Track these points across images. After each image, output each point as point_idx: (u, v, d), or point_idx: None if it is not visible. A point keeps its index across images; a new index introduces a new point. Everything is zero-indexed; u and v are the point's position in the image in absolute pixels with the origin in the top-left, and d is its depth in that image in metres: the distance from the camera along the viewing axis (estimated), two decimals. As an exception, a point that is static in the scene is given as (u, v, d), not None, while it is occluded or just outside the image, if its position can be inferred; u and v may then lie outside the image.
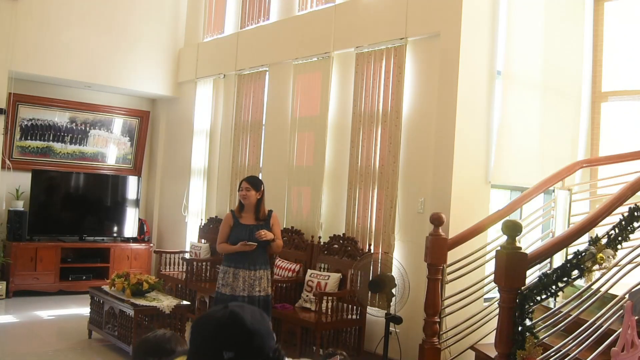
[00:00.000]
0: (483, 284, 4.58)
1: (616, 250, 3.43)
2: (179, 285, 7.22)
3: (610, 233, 3.44)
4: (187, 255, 7.59)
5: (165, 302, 5.46)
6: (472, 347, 4.48)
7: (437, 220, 4.51)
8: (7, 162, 7.84)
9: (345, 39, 6.18)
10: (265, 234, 4.68)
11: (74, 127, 8.66)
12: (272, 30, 7.29)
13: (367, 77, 5.87)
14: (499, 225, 3.86)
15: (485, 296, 4.72)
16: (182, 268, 7.50)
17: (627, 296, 3.32)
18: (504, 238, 3.40)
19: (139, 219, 8.90)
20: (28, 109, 8.27)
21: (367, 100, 5.85)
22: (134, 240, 8.73)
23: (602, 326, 3.29)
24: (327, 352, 3.11)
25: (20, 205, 7.90)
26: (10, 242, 7.65)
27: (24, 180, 7.96)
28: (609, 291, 3.51)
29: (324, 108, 6.34)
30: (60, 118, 8.54)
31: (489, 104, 5.25)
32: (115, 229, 8.74)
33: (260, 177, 7.22)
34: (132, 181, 8.89)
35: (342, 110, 6.23)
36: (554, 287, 3.34)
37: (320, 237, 6.19)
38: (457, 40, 5.06)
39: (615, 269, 3.48)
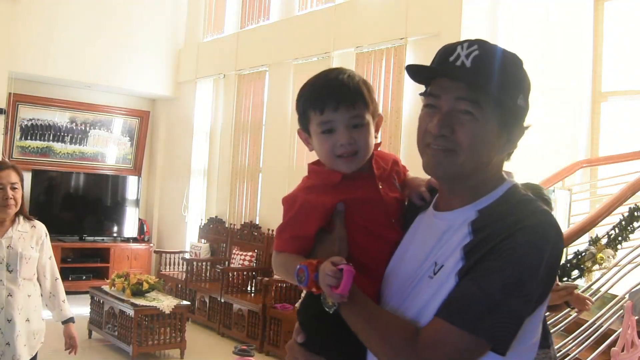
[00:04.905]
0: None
1: (616, 250, 3.43)
2: (179, 285, 7.23)
3: (610, 233, 3.44)
4: (187, 255, 7.59)
5: (165, 302, 5.46)
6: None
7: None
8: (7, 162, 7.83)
9: (345, 39, 6.18)
10: None
11: (74, 127, 8.66)
12: (272, 30, 7.29)
13: (367, 77, 5.87)
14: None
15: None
16: (182, 268, 7.51)
17: (627, 296, 3.32)
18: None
19: (139, 219, 8.90)
20: (28, 109, 8.26)
21: (367, 100, 5.84)
22: (134, 240, 8.73)
23: (602, 326, 3.29)
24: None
25: (20, 205, 7.89)
26: (10, 242, 7.64)
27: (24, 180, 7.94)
28: (609, 291, 3.51)
29: (324, 108, 6.33)
30: (60, 118, 8.54)
31: (489, 104, 5.24)
32: (115, 229, 8.74)
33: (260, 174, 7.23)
34: (132, 181, 8.89)
35: (342, 110, 6.23)
36: (554, 287, 3.34)
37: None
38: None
39: (615, 269, 3.49)
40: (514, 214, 1.14)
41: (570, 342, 3.34)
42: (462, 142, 1.16)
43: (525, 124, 1.22)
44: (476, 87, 1.15)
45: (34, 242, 3.03)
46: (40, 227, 3.12)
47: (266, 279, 5.91)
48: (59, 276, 3.17)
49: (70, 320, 3.20)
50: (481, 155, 1.17)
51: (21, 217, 3.04)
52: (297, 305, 5.84)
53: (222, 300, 6.45)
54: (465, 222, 1.17)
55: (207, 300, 6.75)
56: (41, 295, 3.09)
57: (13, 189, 2.93)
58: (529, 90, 1.21)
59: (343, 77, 1.31)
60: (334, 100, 1.27)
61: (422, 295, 1.17)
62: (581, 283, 3.79)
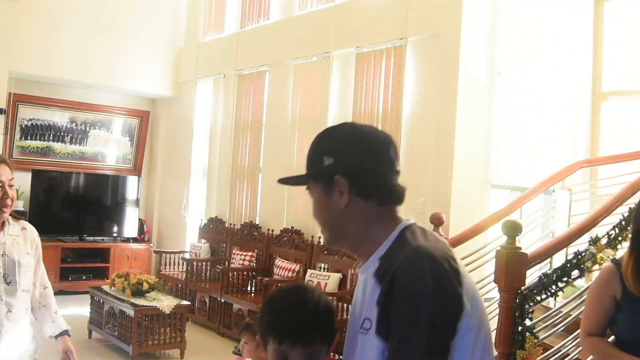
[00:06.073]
0: (483, 284, 4.58)
1: (616, 250, 3.43)
2: (179, 285, 7.23)
3: (610, 233, 3.44)
4: (187, 255, 7.59)
5: (165, 302, 5.46)
6: (472, 347, 4.46)
7: (437, 220, 4.50)
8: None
9: (345, 39, 6.18)
10: None
11: (74, 127, 8.66)
12: (272, 30, 7.29)
13: (367, 77, 5.87)
14: (499, 225, 3.86)
15: (485, 296, 4.72)
16: (182, 268, 7.50)
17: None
18: (504, 238, 3.40)
19: (139, 219, 8.90)
20: (28, 109, 8.27)
21: (367, 100, 5.84)
22: (134, 240, 8.73)
23: (602, 326, 3.28)
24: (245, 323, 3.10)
25: (20, 205, 7.89)
26: (10, 242, 7.63)
27: (24, 180, 7.94)
28: (609, 291, 3.51)
29: (324, 108, 6.34)
30: (60, 118, 8.54)
31: (489, 104, 5.25)
32: (115, 229, 8.74)
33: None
34: (132, 181, 8.89)
35: (342, 110, 6.23)
36: (554, 287, 3.34)
37: (320, 237, 6.19)
38: (457, 40, 5.05)
39: (615, 269, 3.48)
40: (396, 257, 1.23)
41: (570, 342, 3.34)
42: (314, 217, 1.37)
43: (351, 170, 1.30)
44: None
45: (28, 246, 2.57)
46: (32, 229, 2.66)
47: (266, 279, 5.91)
48: (49, 284, 2.73)
49: (66, 332, 2.69)
50: (324, 218, 1.34)
51: (10, 218, 2.56)
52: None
53: (222, 300, 6.45)
54: (372, 273, 1.27)
55: (207, 300, 6.74)
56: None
57: (10, 186, 2.50)
58: (333, 146, 1.32)
59: (306, 314, 1.35)
60: (291, 339, 1.32)
61: (356, 349, 1.26)
62: (581, 283, 3.79)
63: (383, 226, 1.30)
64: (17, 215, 2.63)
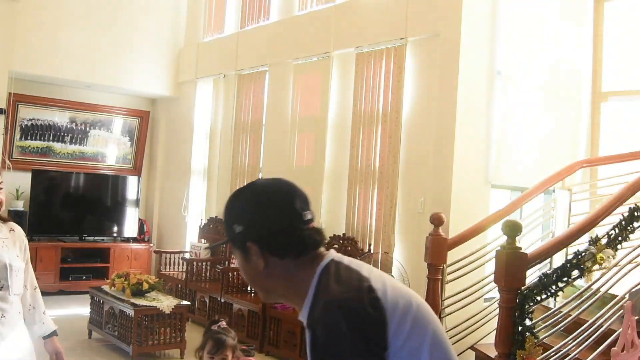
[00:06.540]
0: (483, 284, 4.58)
1: (616, 250, 3.43)
2: (179, 285, 7.23)
3: (610, 233, 3.44)
4: (187, 255, 7.59)
5: (165, 302, 5.46)
6: (472, 347, 4.48)
7: (437, 220, 4.51)
8: (7, 162, 7.84)
9: (345, 39, 6.18)
10: None
11: (74, 127, 8.66)
12: (272, 30, 7.29)
13: (367, 77, 5.87)
14: (499, 225, 3.86)
15: (485, 296, 4.72)
16: (182, 268, 7.51)
17: (627, 296, 3.32)
18: (504, 238, 3.41)
19: (139, 219, 8.90)
20: (28, 109, 8.26)
21: (367, 100, 5.84)
22: (134, 240, 8.73)
23: (602, 326, 3.29)
24: (213, 320, 3.12)
25: (20, 205, 7.89)
26: (10, 242, 7.63)
27: (24, 180, 7.95)
28: (609, 291, 3.51)
29: (324, 108, 6.34)
30: (60, 118, 8.54)
31: (489, 104, 5.25)
32: (115, 229, 8.74)
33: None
34: (132, 181, 8.89)
35: (342, 110, 6.23)
36: (554, 287, 3.34)
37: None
38: (457, 40, 5.05)
39: (615, 269, 3.48)
40: (317, 307, 1.28)
41: (570, 342, 3.34)
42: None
43: (259, 235, 1.34)
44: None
45: (17, 249, 2.49)
46: (20, 231, 2.57)
47: (266, 279, 5.91)
48: (37, 285, 2.68)
49: (54, 333, 2.66)
50: (251, 280, 1.41)
51: None
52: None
53: (222, 300, 6.45)
54: (305, 320, 1.32)
55: (207, 300, 6.75)
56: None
57: None
58: (239, 214, 1.37)
59: None
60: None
61: None
62: (581, 283, 3.79)
63: (306, 274, 1.34)
64: (3, 216, 2.54)
